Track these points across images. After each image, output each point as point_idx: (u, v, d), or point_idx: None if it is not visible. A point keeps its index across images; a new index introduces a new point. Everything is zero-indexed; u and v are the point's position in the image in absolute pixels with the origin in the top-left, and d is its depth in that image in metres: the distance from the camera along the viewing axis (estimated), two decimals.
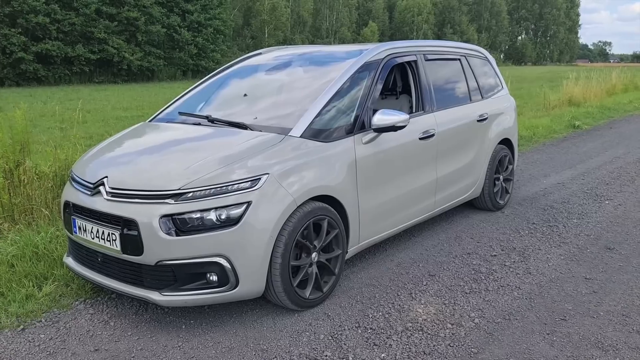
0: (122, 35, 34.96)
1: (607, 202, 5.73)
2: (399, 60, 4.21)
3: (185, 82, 34.40)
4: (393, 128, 3.65)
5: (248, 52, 5.23)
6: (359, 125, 3.64)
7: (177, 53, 39.29)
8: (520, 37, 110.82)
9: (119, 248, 2.96)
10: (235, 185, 2.95)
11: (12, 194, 4.58)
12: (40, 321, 3.16)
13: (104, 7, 33.58)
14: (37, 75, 30.72)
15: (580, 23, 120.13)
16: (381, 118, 3.62)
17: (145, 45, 36.65)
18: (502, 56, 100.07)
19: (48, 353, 2.84)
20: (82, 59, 32.62)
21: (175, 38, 38.83)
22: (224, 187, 2.93)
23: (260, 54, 4.85)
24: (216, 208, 2.88)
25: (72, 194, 3.32)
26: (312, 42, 62.48)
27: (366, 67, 3.87)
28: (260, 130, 3.43)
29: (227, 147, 3.26)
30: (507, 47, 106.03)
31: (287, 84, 4.20)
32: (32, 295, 3.40)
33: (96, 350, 2.87)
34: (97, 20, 33.44)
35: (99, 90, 26.43)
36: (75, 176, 3.42)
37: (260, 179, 3.01)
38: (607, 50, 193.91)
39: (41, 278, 3.61)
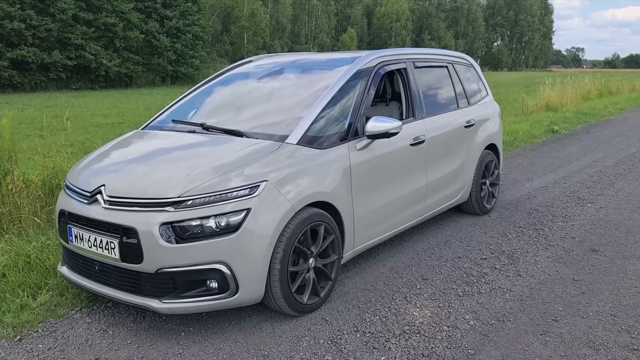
0: (99, 41, 34.50)
1: (589, 205, 5.88)
2: (390, 67, 4.28)
3: (164, 89, 34.17)
4: (386, 135, 3.72)
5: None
6: (353, 132, 3.69)
7: (155, 59, 38.93)
8: (496, 44, 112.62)
9: (117, 256, 2.95)
10: (234, 193, 2.97)
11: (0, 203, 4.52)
12: (37, 331, 3.13)
13: (81, 13, 33.10)
14: (12, 82, 30.12)
15: (554, 29, 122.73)
16: (375, 125, 3.68)
17: (124, 51, 36.23)
18: (479, 62, 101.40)
19: None
20: (58, 65, 32.09)
21: (154, 44, 38.48)
22: (223, 195, 2.95)
23: (251, 61, 4.89)
24: (215, 215, 2.90)
25: (68, 203, 3.30)
26: (291, 48, 62.56)
27: (359, 75, 3.93)
28: (257, 138, 3.46)
29: (224, 154, 3.28)
30: (483, 53, 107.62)
31: (281, 91, 4.24)
32: (26, 305, 3.36)
33: (96, 359, 2.85)
34: (74, 26, 32.96)
35: (77, 96, 26.05)
36: (70, 185, 3.40)
37: (259, 186, 3.04)
38: (580, 56, 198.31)
39: (35, 288, 3.58)
